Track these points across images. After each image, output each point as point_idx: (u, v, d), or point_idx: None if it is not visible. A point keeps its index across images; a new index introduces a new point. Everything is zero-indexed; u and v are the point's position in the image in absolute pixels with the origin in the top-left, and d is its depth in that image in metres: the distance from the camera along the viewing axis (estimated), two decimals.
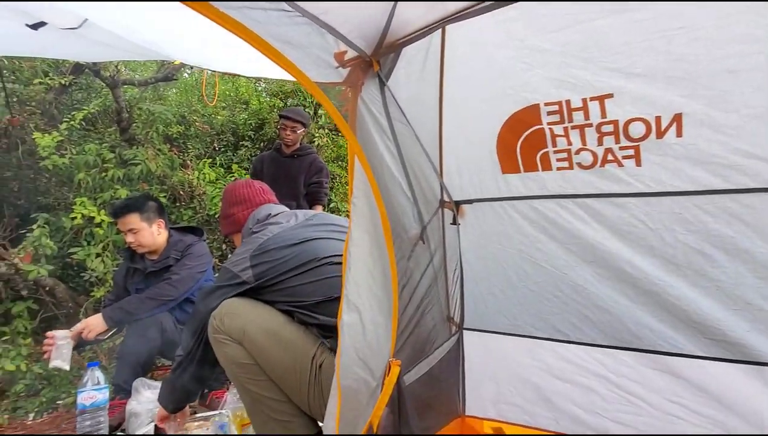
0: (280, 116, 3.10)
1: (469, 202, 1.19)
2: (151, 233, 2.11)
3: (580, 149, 0.97)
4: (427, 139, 1.10)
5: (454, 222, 1.22)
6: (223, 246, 3.71)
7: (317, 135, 4.17)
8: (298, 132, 2.99)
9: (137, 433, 1.72)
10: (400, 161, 1.10)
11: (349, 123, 0.99)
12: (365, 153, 0.98)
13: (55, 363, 1.80)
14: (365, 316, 1.09)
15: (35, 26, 0.98)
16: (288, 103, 4.30)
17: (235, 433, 1.61)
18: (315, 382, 1.22)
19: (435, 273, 1.23)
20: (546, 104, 0.93)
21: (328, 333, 1.25)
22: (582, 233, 1.05)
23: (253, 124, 4.31)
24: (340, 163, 4.32)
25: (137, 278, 2.17)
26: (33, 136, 3.08)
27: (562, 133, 0.95)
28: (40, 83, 3.26)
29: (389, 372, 1.02)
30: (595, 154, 0.98)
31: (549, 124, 0.95)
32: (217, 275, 1.37)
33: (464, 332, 1.42)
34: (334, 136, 4.32)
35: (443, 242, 1.29)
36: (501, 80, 0.94)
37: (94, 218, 3.06)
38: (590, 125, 0.96)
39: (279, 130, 3.09)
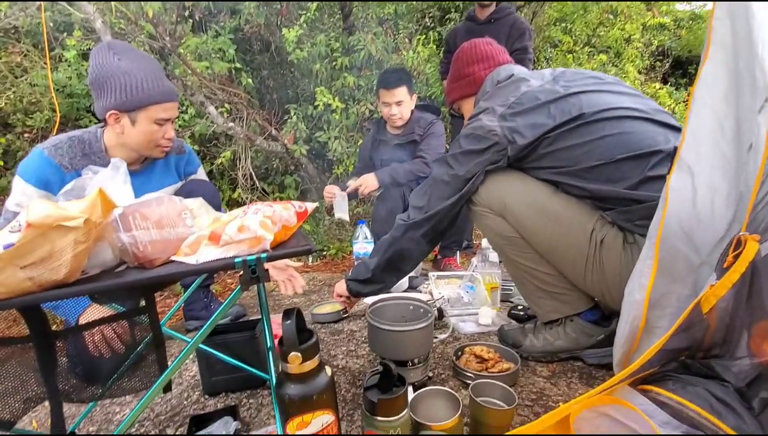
0: None
1: None
2: (410, 106, 2.21)
3: None
4: None
5: None
6: None
7: None
8: None
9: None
10: None
11: None
12: None
13: (339, 215, 2.18)
14: (699, 179, 0.87)
15: None
16: None
17: (485, 294, 1.73)
18: (594, 259, 1.10)
19: None
20: None
21: (607, 205, 1.09)
22: None
23: None
24: (564, 24, 3.61)
25: (382, 148, 2.34)
26: (282, 34, 3.54)
27: None
28: None
29: (738, 248, 0.82)
30: None
31: None
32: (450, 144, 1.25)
33: None
34: None
35: None
36: None
37: (331, 104, 3.46)
38: None
39: None
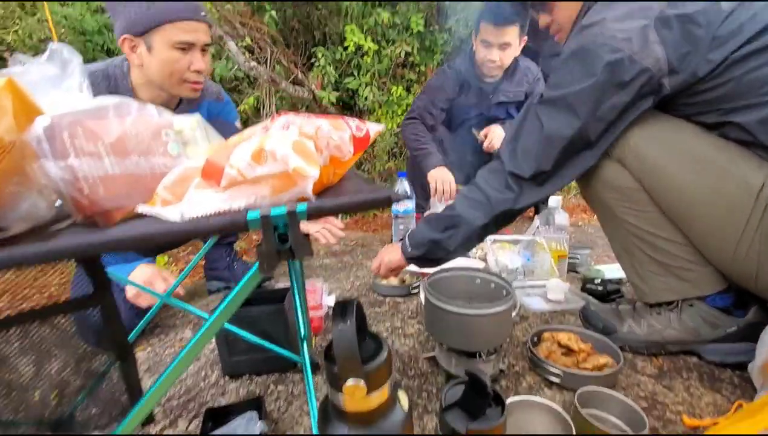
0: None
1: None
2: (515, 53, 1.70)
3: None
4: None
5: None
6: None
7: None
8: None
9: None
10: None
11: None
12: None
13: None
14: None
15: None
16: None
17: (550, 263, 1.45)
18: (760, 225, 0.78)
19: None
20: None
21: None
22: None
23: None
24: None
25: (473, 98, 1.85)
26: None
27: None
28: None
29: None
30: None
31: None
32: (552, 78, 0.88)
33: None
34: None
35: None
36: None
37: (362, 46, 3.09)
38: None
39: None
